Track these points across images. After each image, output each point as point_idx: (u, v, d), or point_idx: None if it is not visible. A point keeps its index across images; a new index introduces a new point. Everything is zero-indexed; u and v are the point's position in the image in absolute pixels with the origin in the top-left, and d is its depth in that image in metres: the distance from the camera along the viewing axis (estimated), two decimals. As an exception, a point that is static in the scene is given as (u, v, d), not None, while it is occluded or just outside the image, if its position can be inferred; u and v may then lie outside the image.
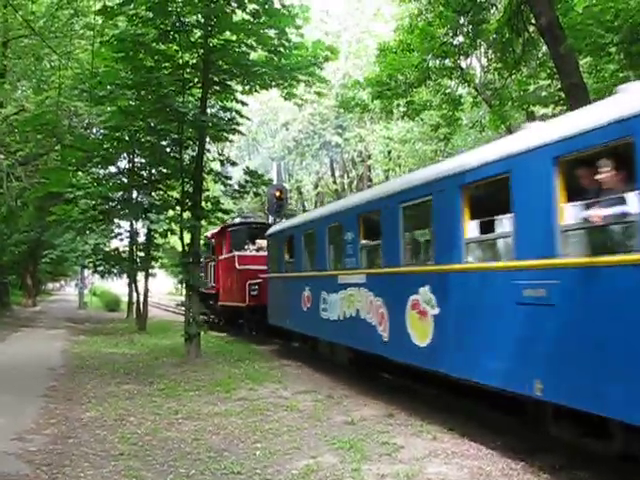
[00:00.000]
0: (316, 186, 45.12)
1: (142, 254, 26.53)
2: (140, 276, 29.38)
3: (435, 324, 8.79)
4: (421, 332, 9.18)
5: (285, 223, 17.87)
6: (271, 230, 18.43)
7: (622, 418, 5.62)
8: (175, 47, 15.68)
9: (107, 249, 29.15)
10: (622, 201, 5.78)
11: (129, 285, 31.22)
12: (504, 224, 7.61)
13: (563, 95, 15.13)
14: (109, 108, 17.17)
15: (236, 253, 20.71)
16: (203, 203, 16.70)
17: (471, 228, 8.16)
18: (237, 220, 24.81)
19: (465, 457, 7.24)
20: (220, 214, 17.77)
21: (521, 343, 6.85)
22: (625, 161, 5.68)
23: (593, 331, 5.87)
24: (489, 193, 7.97)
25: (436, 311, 8.77)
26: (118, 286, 58.87)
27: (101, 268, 28.75)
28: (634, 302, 5.40)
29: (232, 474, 6.74)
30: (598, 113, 6.15)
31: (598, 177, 6.18)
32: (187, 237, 17.04)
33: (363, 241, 11.56)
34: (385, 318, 10.41)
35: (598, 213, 5.93)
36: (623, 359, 5.52)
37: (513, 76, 18.36)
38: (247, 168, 18.90)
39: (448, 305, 8.51)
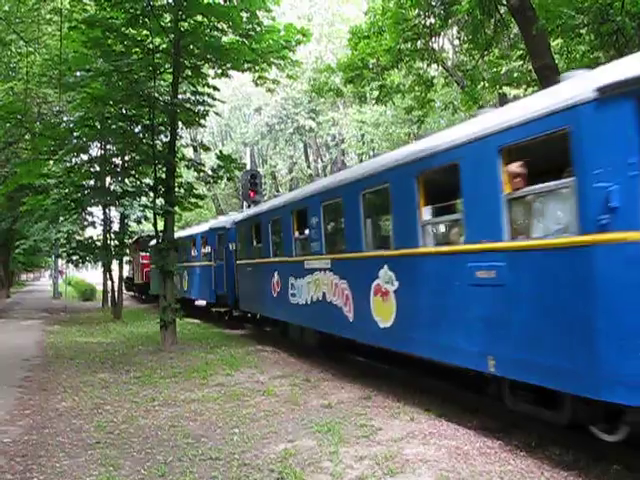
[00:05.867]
0: (290, 171, 45.04)
1: (116, 242, 26.28)
2: (115, 265, 29.17)
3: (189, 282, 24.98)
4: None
5: (152, 241, 26.63)
6: (152, 242, 27.42)
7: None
8: (145, 31, 15.50)
9: (81, 238, 28.80)
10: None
11: (104, 274, 30.96)
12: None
13: (535, 76, 15.17)
14: (79, 95, 16.94)
15: (140, 254, 34.77)
16: (176, 189, 16.56)
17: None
18: (146, 233, 33.12)
19: (442, 437, 7.29)
20: (194, 199, 17.63)
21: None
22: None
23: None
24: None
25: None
26: (93, 275, 58.55)
27: (75, 257, 28.36)
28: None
29: (210, 460, 6.73)
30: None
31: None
32: (161, 223, 16.92)
33: (185, 263, 24.73)
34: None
35: None
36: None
37: (485, 57, 18.37)
38: (220, 152, 18.74)
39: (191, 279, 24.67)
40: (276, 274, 14.66)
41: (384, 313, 9.49)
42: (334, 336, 11.87)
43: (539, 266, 6.39)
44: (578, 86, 6.09)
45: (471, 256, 7.39)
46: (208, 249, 22.11)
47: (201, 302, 25.03)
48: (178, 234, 24.54)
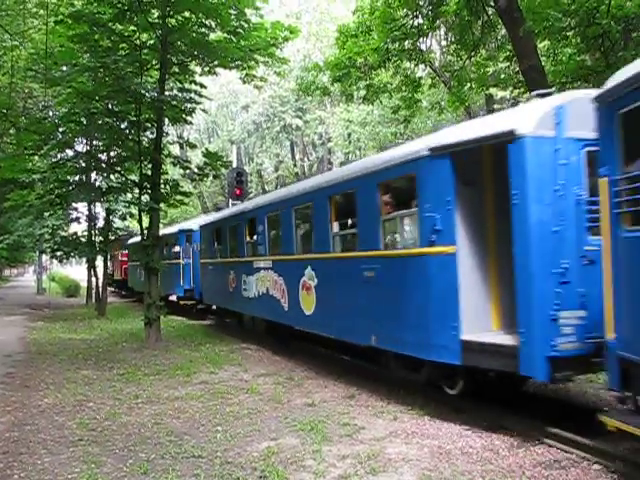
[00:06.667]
0: (276, 169, 44.99)
1: (101, 238, 26.19)
2: (99, 261, 29.04)
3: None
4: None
5: (132, 240, 30.58)
6: (129, 242, 32.12)
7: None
8: (132, 27, 15.42)
9: (65, 234, 28.65)
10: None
11: (88, 270, 30.83)
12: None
13: (522, 78, 15.25)
14: (65, 90, 16.84)
15: (121, 252, 36.56)
16: (162, 186, 16.50)
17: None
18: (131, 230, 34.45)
19: (425, 436, 7.32)
20: (179, 197, 17.57)
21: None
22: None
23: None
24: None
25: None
26: (77, 272, 58.20)
27: (59, 253, 28.19)
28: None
29: (193, 458, 6.72)
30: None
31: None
32: (146, 220, 16.86)
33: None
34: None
35: None
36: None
37: (472, 58, 18.44)
38: (206, 150, 18.70)
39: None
40: (232, 272, 17.19)
41: (308, 304, 12.05)
42: (277, 323, 14.38)
43: (400, 268, 8.97)
44: (421, 144, 8.81)
45: (362, 260, 9.89)
46: (177, 248, 24.47)
47: (172, 297, 25.50)
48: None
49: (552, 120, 7.16)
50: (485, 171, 8.46)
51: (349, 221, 11.00)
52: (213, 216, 21.00)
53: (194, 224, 23.61)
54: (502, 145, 7.39)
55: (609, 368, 5.98)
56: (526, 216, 7.07)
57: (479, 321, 8.12)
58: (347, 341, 11.23)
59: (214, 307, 21.55)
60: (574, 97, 7.39)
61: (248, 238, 15.94)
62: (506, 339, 7.59)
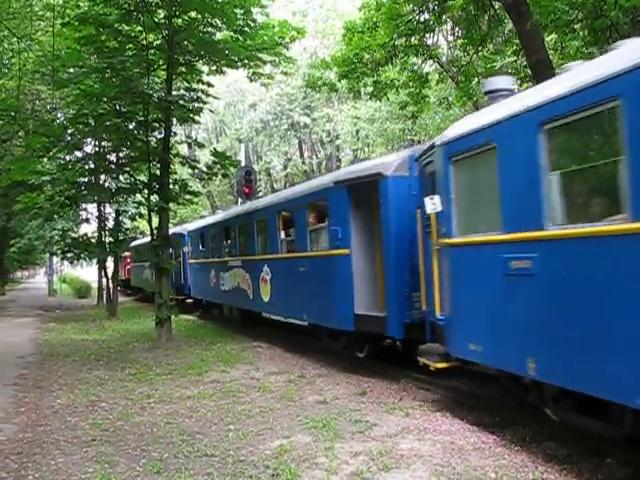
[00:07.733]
0: (285, 167, 44.91)
1: (111, 239, 26.26)
2: (110, 262, 29.12)
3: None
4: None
5: (134, 242, 34.83)
6: (132, 244, 34.84)
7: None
8: (139, 28, 15.44)
9: (75, 235, 28.73)
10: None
11: (98, 271, 30.92)
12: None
13: (529, 72, 15.17)
14: (73, 92, 16.86)
15: (125, 254, 36.57)
16: (171, 186, 16.52)
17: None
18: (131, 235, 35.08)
19: (437, 432, 7.31)
20: (188, 196, 17.59)
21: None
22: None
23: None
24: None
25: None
26: (87, 273, 58.40)
27: (70, 254, 28.28)
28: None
29: (205, 456, 6.74)
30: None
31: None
32: (155, 220, 16.89)
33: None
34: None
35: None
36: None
37: (479, 53, 18.34)
38: (214, 149, 18.73)
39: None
40: (212, 270, 20.70)
41: (266, 293, 15.35)
42: (246, 310, 18.04)
43: (319, 264, 12.20)
44: (331, 177, 12.48)
45: (298, 259, 13.27)
46: (170, 250, 24.40)
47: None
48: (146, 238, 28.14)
49: (407, 165, 10.40)
50: (373, 197, 10.83)
51: (290, 230, 14.18)
52: (198, 223, 25.00)
53: (183, 229, 26.59)
54: (376, 181, 10.47)
55: (425, 329, 9.29)
56: (389, 229, 10.30)
57: (369, 301, 11.09)
58: (291, 320, 16.09)
59: (204, 301, 23.74)
60: (423, 149, 9.62)
61: (224, 242, 19.49)
62: (380, 312, 10.60)
